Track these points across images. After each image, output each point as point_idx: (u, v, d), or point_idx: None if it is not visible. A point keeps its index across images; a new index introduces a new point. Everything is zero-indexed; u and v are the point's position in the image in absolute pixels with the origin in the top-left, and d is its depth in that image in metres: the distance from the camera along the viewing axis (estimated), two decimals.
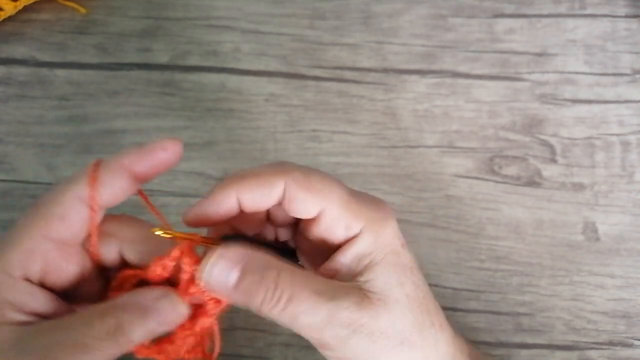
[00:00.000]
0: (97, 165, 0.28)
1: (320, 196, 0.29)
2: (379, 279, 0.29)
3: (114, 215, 0.30)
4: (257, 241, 0.32)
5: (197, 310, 0.29)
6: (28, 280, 0.28)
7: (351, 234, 0.30)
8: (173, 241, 0.29)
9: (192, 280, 0.28)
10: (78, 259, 0.29)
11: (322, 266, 0.31)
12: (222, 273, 0.28)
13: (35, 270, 0.28)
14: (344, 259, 0.30)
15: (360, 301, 0.28)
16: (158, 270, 0.29)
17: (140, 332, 0.27)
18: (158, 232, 0.29)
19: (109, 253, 0.30)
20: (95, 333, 0.26)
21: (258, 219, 0.32)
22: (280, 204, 0.30)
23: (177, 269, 0.29)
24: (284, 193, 0.29)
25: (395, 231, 0.31)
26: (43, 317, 0.28)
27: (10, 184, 0.44)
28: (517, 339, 0.43)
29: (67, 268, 0.29)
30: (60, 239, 0.28)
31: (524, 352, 0.42)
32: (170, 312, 0.28)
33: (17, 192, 0.44)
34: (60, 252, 0.28)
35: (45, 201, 0.28)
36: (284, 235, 0.34)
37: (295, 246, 0.35)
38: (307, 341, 0.30)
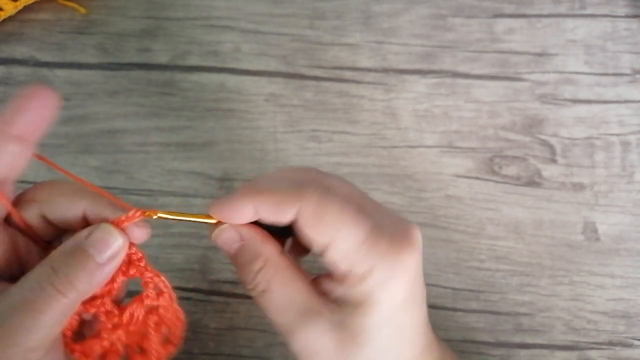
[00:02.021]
0: None
1: (329, 233, 0.28)
2: (362, 324, 0.28)
3: (34, 185, 0.30)
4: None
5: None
6: None
7: (354, 274, 0.28)
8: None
9: (133, 261, 0.29)
10: (5, 237, 0.29)
11: (318, 279, 0.30)
12: (227, 240, 0.30)
13: None
14: (333, 287, 0.29)
15: (326, 332, 0.28)
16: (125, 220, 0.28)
17: (80, 275, 0.26)
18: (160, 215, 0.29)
19: (32, 218, 0.29)
20: (36, 288, 0.25)
21: None
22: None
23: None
24: (296, 216, 0.29)
25: (405, 286, 0.28)
26: None
27: None
28: (517, 339, 0.43)
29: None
30: None
31: (524, 352, 0.42)
32: (108, 239, 0.27)
33: (17, 192, 0.44)
34: None
35: None
36: None
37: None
38: None
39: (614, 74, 0.46)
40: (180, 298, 0.32)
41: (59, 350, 0.28)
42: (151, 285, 0.30)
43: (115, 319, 0.30)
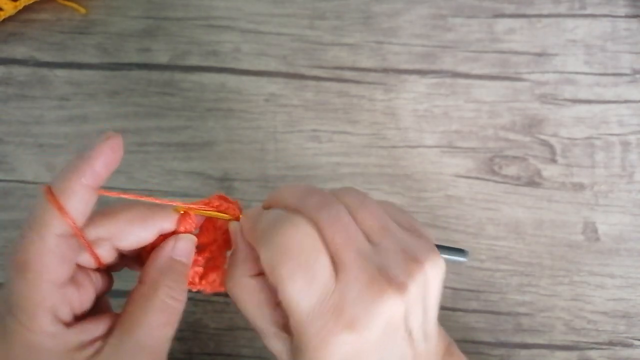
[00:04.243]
0: (50, 192, 0.27)
1: (277, 286, 0.28)
2: None
3: (92, 218, 0.30)
4: None
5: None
6: (67, 324, 0.28)
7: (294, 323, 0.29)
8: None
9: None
10: (90, 279, 0.30)
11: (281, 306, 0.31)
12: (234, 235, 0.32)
13: (66, 316, 0.28)
14: (288, 319, 0.30)
15: (282, 352, 0.30)
16: (187, 226, 0.32)
17: (182, 280, 0.31)
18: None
19: (107, 253, 0.30)
20: (164, 306, 0.30)
21: None
22: None
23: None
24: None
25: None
26: (104, 337, 0.29)
27: (10, 184, 0.44)
28: (517, 339, 0.43)
29: (86, 292, 0.30)
30: (66, 278, 0.28)
31: (524, 352, 0.42)
32: (189, 245, 0.32)
33: (17, 192, 0.44)
34: (73, 285, 0.29)
35: (29, 258, 0.27)
36: None
37: None
38: None
39: (614, 74, 0.46)
40: None
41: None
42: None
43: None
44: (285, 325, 0.30)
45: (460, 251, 0.33)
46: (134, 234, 0.30)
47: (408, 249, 0.29)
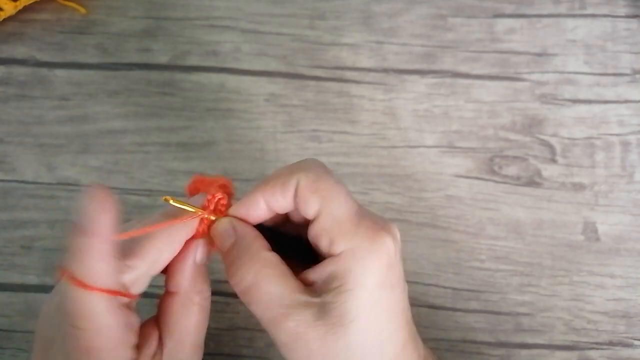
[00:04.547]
0: (84, 285, 0.27)
1: (320, 201, 0.30)
2: (343, 306, 0.29)
3: (128, 264, 0.30)
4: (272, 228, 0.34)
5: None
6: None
7: (332, 252, 0.29)
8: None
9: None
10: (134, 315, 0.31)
11: (302, 272, 0.31)
12: (224, 234, 0.32)
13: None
14: (316, 275, 0.30)
15: (313, 319, 0.29)
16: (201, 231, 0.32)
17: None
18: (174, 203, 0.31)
19: (143, 285, 0.31)
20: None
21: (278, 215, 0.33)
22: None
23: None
24: (295, 190, 0.30)
25: (384, 269, 0.29)
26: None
27: (10, 184, 0.44)
28: (517, 339, 0.43)
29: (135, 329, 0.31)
30: (133, 340, 0.30)
31: (524, 352, 0.42)
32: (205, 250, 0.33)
33: (17, 192, 0.44)
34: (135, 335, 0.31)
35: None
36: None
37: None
38: None
39: (614, 74, 0.46)
40: None
41: None
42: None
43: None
44: (311, 290, 0.30)
45: None
46: (166, 261, 0.31)
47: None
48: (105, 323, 0.28)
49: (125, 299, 0.29)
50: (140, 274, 0.30)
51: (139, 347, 0.30)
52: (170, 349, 0.32)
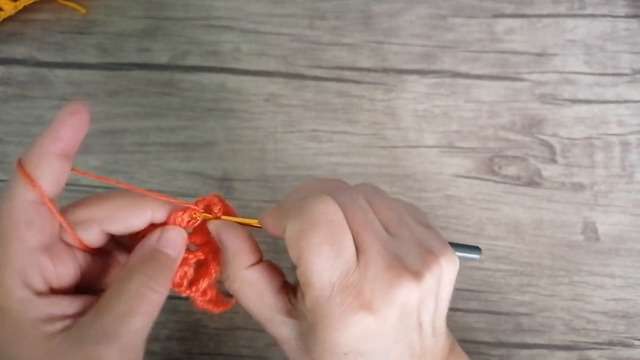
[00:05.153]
0: (21, 163, 0.28)
1: (296, 257, 0.28)
2: (316, 348, 0.29)
3: (80, 201, 0.30)
4: None
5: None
6: (38, 293, 0.28)
7: (305, 301, 0.29)
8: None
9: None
10: (73, 256, 0.30)
11: (288, 286, 0.31)
12: (212, 232, 0.32)
13: (38, 284, 0.28)
14: (300, 304, 0.30)
15: (290, 338, 0.30)
16: (178, 220, 0.31)
17: (165, 272, 0.30)
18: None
19: (94, 236, 0.30)
20: (138, 295, 0.28)
21: None
22: None
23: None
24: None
25: (348, 340, 0.28)
26: (77, 316, 0.28)
27: None
28: (517, 339, 0.43)
29: (65, 267, 0.29)
30: (40, 245, 0.28)
31: (524, 352, 0.42)
32: (176, 237, 0.31)
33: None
34: (48, 255, 0.28)
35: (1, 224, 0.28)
36: None
37: None
38: None
39: (614, 74, 0.46)
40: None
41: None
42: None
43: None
44: (290, 311, 0.30)
45: (474, 248, 0.32)
46: (122, 219, 0.30)
47: (424, 241, 0.29)
48: (19, 211, 0.27)
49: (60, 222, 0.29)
50: (89, 215, 0.29)
51: (51, 302, 0.28)
52: (84, 326, 0.28)
